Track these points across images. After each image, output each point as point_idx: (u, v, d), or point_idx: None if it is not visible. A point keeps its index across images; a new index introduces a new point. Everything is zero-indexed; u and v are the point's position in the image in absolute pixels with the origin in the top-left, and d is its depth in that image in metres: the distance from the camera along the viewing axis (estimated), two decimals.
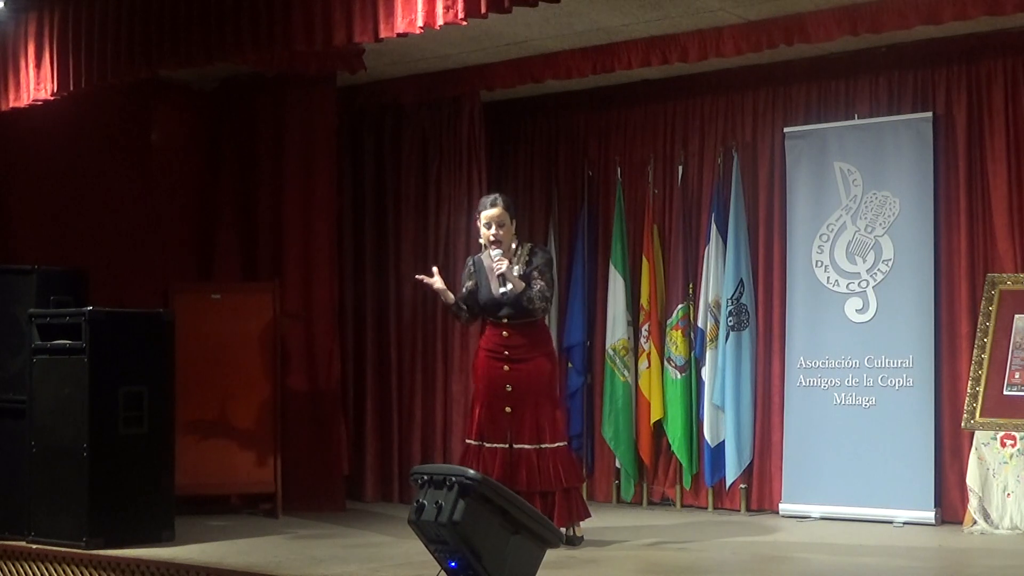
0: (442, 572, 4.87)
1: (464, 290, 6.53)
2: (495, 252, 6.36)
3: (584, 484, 6.64)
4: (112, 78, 6.63)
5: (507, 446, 6.34)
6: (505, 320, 6.41)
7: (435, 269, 6.55)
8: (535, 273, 6.35)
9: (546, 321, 6.84)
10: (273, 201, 8.37)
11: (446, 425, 8.47)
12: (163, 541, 6.53)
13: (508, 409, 6.36)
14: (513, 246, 6.46)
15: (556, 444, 6.38)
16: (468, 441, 6.51)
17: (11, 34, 6.97)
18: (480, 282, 6.45)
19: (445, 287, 6.49)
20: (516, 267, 6.40)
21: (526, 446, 6.32)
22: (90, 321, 6.49)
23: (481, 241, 6.49)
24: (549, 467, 6.30)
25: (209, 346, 7.67)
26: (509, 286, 6.30)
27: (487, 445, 6.37)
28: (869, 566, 6.13)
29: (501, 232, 6.37)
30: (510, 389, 6.37)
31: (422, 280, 6.53)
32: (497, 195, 6.53)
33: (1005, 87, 7.38)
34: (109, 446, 6.48)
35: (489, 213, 6.41)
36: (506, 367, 6.39)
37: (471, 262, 6.60)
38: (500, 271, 6.31)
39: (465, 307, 6.53)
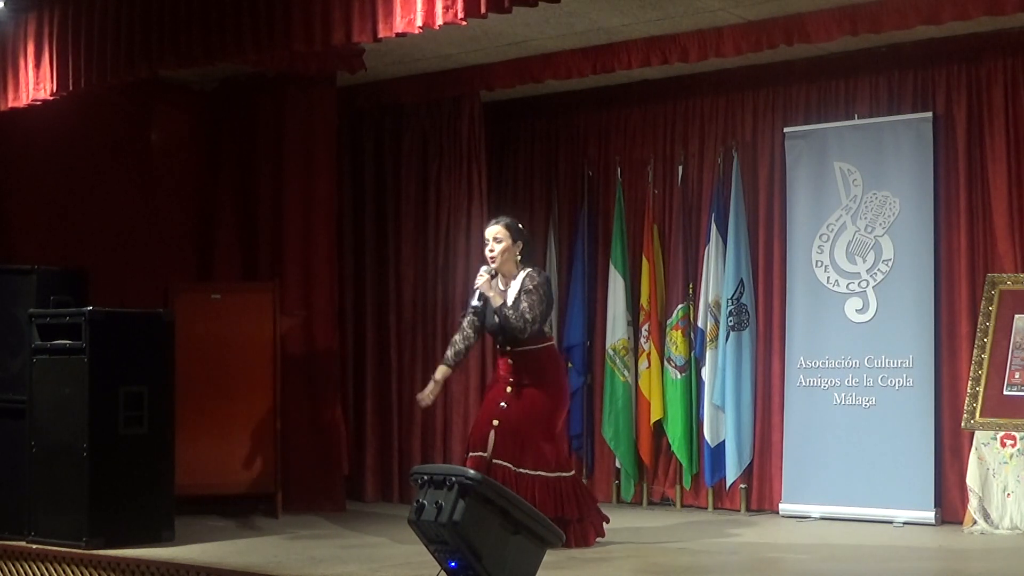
0: (442, 572, 4.87)
1: (470, 311, 6.55)
2: (483, 269, 6.41)
3: (583, 516, 6.51)
4: (112, 78, 6.62)
5: (486, 456, 6.30)
6: (507, 347, 6.42)
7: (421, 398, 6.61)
8: (523, 295, 6.34)
9: (552, 349, 6.76)
10: (273, 201, 8.37)
11: (446, 425, 8.47)
12: (163, 541, 6.53)
13: (496, 422, 6.35)
14: (517, 268, 6.44)
15: (537, 472, 6.28)
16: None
17: (11, 34, 6.97)
18: (487, 305, 6.46)
19: (436, 386, 6.55)
20: (514, 286, 6.39)
21: (504, 463, 6.25)
22: (90, 321, 6.49)
23: None
24: (527, 492, 6.15)
25: (209, 346, 7.67)
26: (491, 298, 6.34)
27: (471, 454, 6.38)
28: (869, 566, 6.13)
29: (497, 248, 6.40)
30: (504, 406, 6.36)
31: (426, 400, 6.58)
32: (501, 216, 6.64)
33: (1005, 87, 7.38)
34: (109, 446, 6.48)
35: (489, 230, 6.49)
36: (508, 389, 6.40)
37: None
38: (477, 285, 6.38)
39: (458, 350, 6.55)
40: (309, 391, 8.15)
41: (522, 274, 6.41)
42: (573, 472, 6.57)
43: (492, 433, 6.33)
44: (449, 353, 6.58)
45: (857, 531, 7.11)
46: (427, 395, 6.57)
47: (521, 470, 6.26)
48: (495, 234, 6.43)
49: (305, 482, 7.99)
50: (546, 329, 6.59)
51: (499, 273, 6.43)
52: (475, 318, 6.51)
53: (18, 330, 6.82)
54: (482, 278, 6.37)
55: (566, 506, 6.33)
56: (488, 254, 6.43)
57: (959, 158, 7.49)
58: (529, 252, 6.55)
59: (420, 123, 8.72)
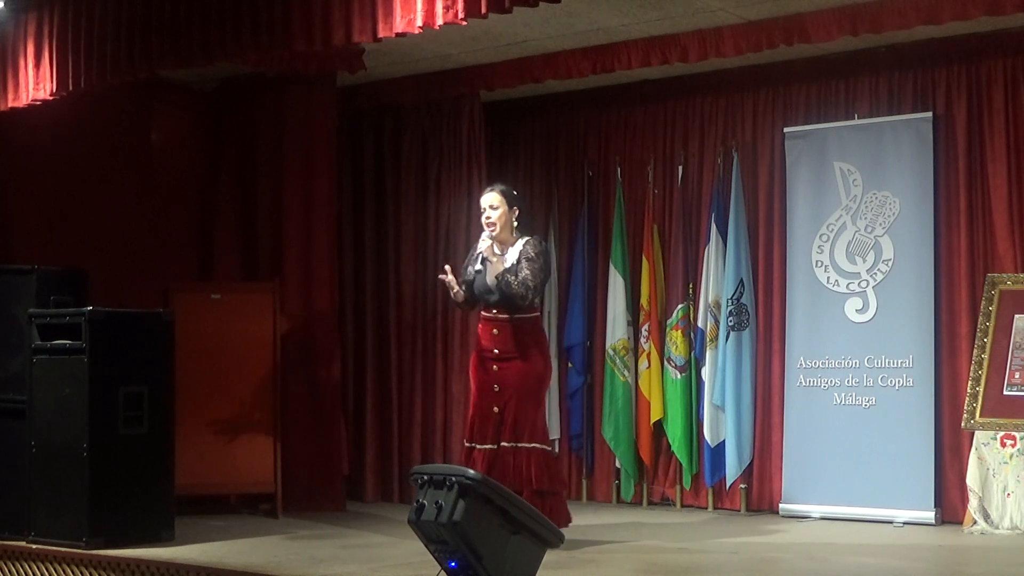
0: (442, 572, 4.87)
1: (464, 277, 6.54)
2: (485, 233, 6.39)
3: (565, 490, 6.62)
4: (112, 78, 6.63)
5: (494, 447, 6.31)
6: (494, 311, 6.38)
7: (447, 268, 6.53)
8: (523, 261, 6.33)
9: (543, 321, 6.79)
10: (273, 201, 8.37)
11: (446, 425, 8.47)
12: (163, 541, 6.53)
13: (496, 409, 6.34)
14: (514, 235, 6.44)
15: (532, 444, 6.30)
16: (464, 443, 6.49)
17: (11, 34, 6.97)
18: (477, 272, 6.47)
19: (457, 287, 6.50)
20: (512, 254, 6.38)
21: (506, 444, 6.28)
22: (90, 321, 6.49)
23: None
24: (522, 466, 6.24)
25: (209, 346, 7.67)
26: (487, 266, 6.33)
27: (477, 447, 6.35)
28: (869, 566, 6.13)
29: (494, 214, 6.39)
30: (497, 389, 6.34)
31: (444, 280, 6.51)
32: (495, 183, 6.63)
33: (1005, 87, 7.38)
34: (109, 446, 6.48)
35: (485, 198, 6.48)
36: (495, 367, 6.37)
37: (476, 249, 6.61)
38: (479, 250, 6.36)
39: (464, 297, 6.55)
40: (309, 391, 8.14)
41: (521, 241, 6.39)
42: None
43: (495, 422, 6.31)
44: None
45: (857, 531, 7.11)
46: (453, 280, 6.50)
47: (519, 445, 6.28)
48: (491, 201, 6.42)
49: (305, 482, 7.98)
50: (536, 300, 6.55)
51: (496, 240, 6.40)
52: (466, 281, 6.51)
53: (18, 330, 6.82)
54: (485, 243, 6.36)
55: (554, 479, 6.39)
56: (486, 221, 6.41)
57: (959, 158, 7.49)
58: (527, 220, 6.55)
59: (420, 123, 8.71)
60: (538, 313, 6.61)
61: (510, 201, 6.44)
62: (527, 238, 6.42)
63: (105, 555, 6.29)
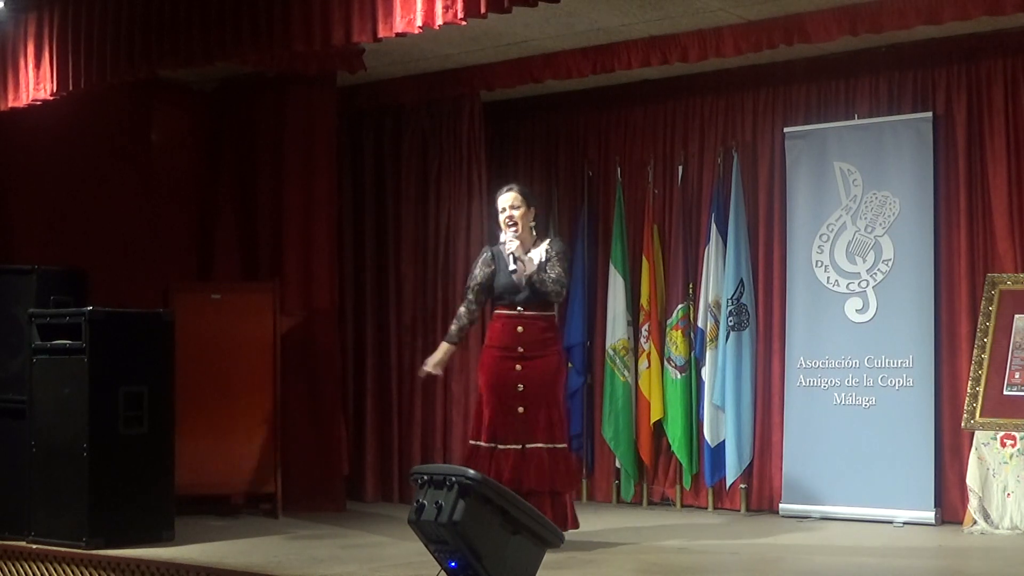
0: (442, 572, 4.88)
1: (473, 283, 6.51)
2: (509, 233, 6.36)
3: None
4: (112, 78, 6.63)
5: (520, 447, 6.25)
6: (520, 308, 6.33)
7: (427, 370, 6.59)
8: (556, 261, 6.34)
9: (555, 319, 6.80)
10: (273, 201, 8.38)
11: (446, 425, 8.47)
12: (163, 541, 6.53)
13: (521, 409, 6.28)
14: (533, 235, 6.45)
15: (564, 445, 6.34)
16: (476, 443, 6.34)
17: (11, 34, 6.97)
18: (499, 269, 6.42)
19: (440, 359, 6.54)
20: (536, 254, 6.36)
21: (540, 445, 6.24)
22: (90, 321, 6.49)
23: (501, 231, 6.47)
24: (561, 467, 6.25)
25: (209, 346, 7.66)
26: (519, 265, 6.29)
27: (500, 447, 6.25)
28: (869, 566, 6.13)
29: (516, 214, 6.38)
30: (522, 388, 6.27)
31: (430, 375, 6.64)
32: (512, 184, 6.62)
33: (1005, 87, 7.38)
34: (109, 446, 6.48)
35: (504, 198, 6.45)
36: (518, 366, 6.29)
37: (488, 252, 6.56)
38: (510, 251, 6.32)
39: (463, 325, 6.54)
40: (309, 391, 8.14)
41: (545, 242, 6.44)
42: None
43: (520, 422, 6.26)
44: (453, 329, 6.55)
45: (857, 531, 7.11)
46: (433, 368, 6.55)
47: (556, 446, 6.28)
48: (512, 201, 6.41)
49: (305, 482, 7.98)
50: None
51: (518, 239, 6.37)
52: (479, 288, 6.47)
53: (18, 330, 6.82)
54: (514, 243, 6.32)
55: (574, 478, 6.41)
56: (507, 222, 6.38)
57: (959, 158, 7.49)
58: (540, 221, 6.59)
59: (420, 123, 8.71)
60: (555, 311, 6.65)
61: (528, 201, 6.46)
62: (549, 238, 6.50)
63: (105, 555, 6.29)
